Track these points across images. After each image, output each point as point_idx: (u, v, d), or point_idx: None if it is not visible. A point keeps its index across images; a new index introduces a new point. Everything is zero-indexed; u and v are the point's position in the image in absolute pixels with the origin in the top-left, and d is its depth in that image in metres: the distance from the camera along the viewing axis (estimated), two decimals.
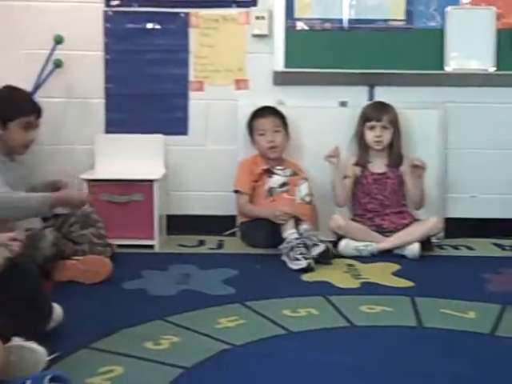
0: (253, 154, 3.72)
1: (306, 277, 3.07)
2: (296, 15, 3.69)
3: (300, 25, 3.70)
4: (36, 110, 3.06)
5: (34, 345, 2.00)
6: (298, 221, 3.40)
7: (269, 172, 3.61)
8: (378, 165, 3.64)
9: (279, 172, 3.61)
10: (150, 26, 3.79)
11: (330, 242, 3.41)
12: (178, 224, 3.80)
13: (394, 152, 3.63)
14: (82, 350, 2.19)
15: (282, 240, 3.31)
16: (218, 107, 3.81)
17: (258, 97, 3.74)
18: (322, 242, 3.26)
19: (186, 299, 2.74)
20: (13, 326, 2.00)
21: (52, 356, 2.06)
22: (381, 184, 3.60)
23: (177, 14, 3.76)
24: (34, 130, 3.07)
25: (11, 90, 3.14)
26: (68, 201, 2.95)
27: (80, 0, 3.73)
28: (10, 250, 2.13)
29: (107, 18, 3.76)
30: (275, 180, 3.58)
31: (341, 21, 3.70)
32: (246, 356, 2.21)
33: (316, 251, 3.20)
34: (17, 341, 2.00)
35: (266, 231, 3.46)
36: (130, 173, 3.56)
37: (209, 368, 2.11)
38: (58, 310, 2.33)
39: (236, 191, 3.65)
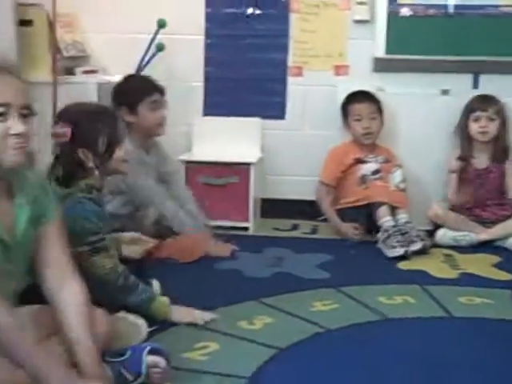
0: (345, 140, 3.69)
1: (401, 265, 3.02)
2: (399, 1, 3.62)
3: (403, 10, 3.62)
4: (158, 89, 3.15)
5: (135, 317, 2.06)
6: (393, 208, 3.34)
7: (361, 160, 3.55)
8: (482, 159, 3.51)
9: (371, 159, 3.55)
10: (250, 10, 3.79)
11: (427, 231, 3.34)
12: (272, 207, 3.82)
13: (500, 145, 3.49)
14: (178, 326, 2.24)
15: (376, 227, 3.28)
16: (316, 93, 3.78)
17: (357, 83, 3.68)
18: (420, 238, 3.18)
19: (280, 282, 2.75)
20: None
21: (150, 329, 2.12)
22: (483, 179, 3.48)
23: None
24: (162, 108, 3.15)
25: (130, 77, 3.25)
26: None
27: None
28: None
29: (208, 3, 3.80)
30: (368, 167, 3.52)
31: (446, 6, 3.60)
32: (340, 340, 2.20)
33: (413, 248, 3.13)
34: (120, 313, 2.07)
35: (360, 218, 3.42)
36: (227, 155, 3.59)
37: (302, 350, 2.11)
38: (156, 285, 2.39)
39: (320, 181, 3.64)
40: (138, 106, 3.09)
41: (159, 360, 1.81)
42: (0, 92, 1.60)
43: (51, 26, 3.43)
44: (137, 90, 3.14)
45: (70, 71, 3.57)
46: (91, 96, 3.40)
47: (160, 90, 3.18)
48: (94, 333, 1.73)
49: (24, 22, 3.38)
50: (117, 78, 3.49)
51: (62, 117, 2.19)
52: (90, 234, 2.08)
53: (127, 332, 2.04)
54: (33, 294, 1.80)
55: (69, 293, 1.75)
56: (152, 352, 1.82)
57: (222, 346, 2.11)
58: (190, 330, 2.23)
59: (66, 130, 2.11)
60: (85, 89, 3.43)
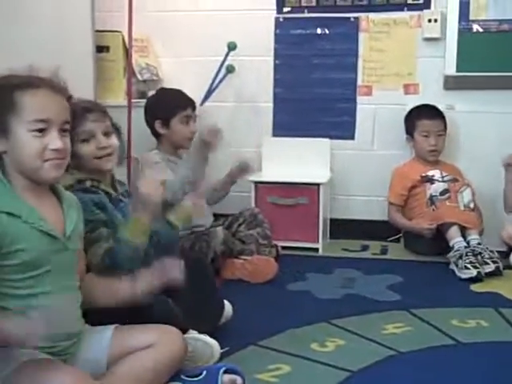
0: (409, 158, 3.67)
1: (474, 287, 2.97)
2: (471, 17, 3.58)
3: (475, 27, 3.58)
4: (191, 103, 3.22)
5: (208, 338, 2.10)
6: (463, 229, 3.29)
7: (427, 179, 3.51)
8: None
9: (438, 178, 3.50)
10: (319, 31, 3.82)
11: (500, 252, 3.27)
12: (341, 228, 3.81)
13: None
14: (250, 347, 2.27)
15: (447, 248, 3.23)
16: (385, 112, 3.77)
17: (427, 101, 3.65)
18: (493, 259, 3.11)
19: (351, 303, 2.74)
20: (189, 319, 2.10)
21: (223, 350, 2.15)
22: None
23: (347, 18, 3.76)
24: (193, 122, 3.22)
25: (164, 91, 3.33)
26: None
27: (253, 8, 3.83)
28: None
29: (278, 25, 3.85)
30: (436, 187, 3.46)
31: None
32: (413, 364, 2.18)
33: (486, 269, 3.07)
34: (192, 333, 2.10)
35: (430, 238, 3.38)
36: (296, 176, 3.61)
37: (375, 373, 2.10)
38: (228, 307, 2.42)
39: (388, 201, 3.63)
40: (172, 119, 3.16)
41: (236, 378, 1.84)
42: (42, 108, 1.65)
43: (127, 51, 3.54)
44: (170, 104, 3.21)
45: (143, 94, 3.67)
46: None
47: (192, 105, 3.25)
48: (170, 351, 1.78)
49: (101, 48, 3.51)
50: None
51: None
52: None
53: (200, 352, 2.07)
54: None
55: None
56: (228, 372, 1.85)
57: (294, 368, 2.12)
58: (262, 351, 2.25)
59: None
60: None
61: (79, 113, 2.08)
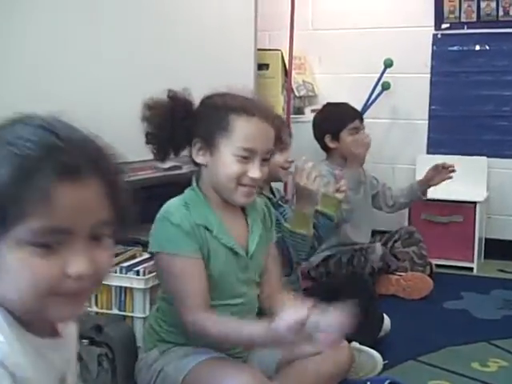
0: None
1: None
2: None
3: None
4: (358, 115, 3.24)
5: (371, 350, 2.13)
6: None
7: None
8: None
9: None
10: (477, 47, 3.77)
11: None
12: (496, 248, 3.71)
13: None
14: (409, 362, 2.29)
15: None
16: None
17: None
18: None
19: (511, 325, 2.68)
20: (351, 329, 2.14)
21: (383, 362, 2.18)
22: None
23: (509, 34, 3.68)
24: (363, 133, 3.23)
25: (330, 105, 3.37)
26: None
27: (410, 25, 3.84)
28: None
29: (435, 41, 3.83)
30: None
31: None
32: None
33: None
34: (354, 344, 2.15)
35: None
36: (451, 194, 3.57)
37: None
38: (386, 321, 2.45)
39: None
40: (341, 132, 3.18)
41: None
42: (251, 138, 1.67)
43: (285, 68, 3.67)
44: (339, 118, 3.23)
45: (299, 110, 3.78)
46: None
47: (360, 116, 3.26)
48: (337, 360, 1.84)
49: (261, 66, 3.65)
50: None
51: None
52: None
53: (363, 363, 2.11)
54: None
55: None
56: None
57: None
58: (422, 367, 2.26)
59: None
60: None
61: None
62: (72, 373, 1.04)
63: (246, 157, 1.67)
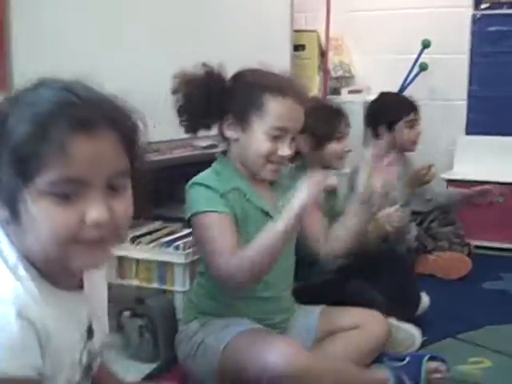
0: None
1: None
2: None
3: None
4: (414, 107, 3.20)
5: (410, 326, 2.13)
6: None
7: None
8: None
9: None
10: None
11: None
12: None
13: None
14: (448, 339, 2.28)
15: None
16: None
17: None
18: None
19: None
20: (388, 306, 2.15)
21: (422, 339, 2.18)
22: None
23: None
24: (418, 125, 3.21)
25: (386, 95, 3.33)
26: None
27: (448, 5, 3.80)
28: (391, 224, 2.31)
29: (475, 21, 3.78)
30: None
31: None
32: None
33: None
34: (392, 321, 2.15)
35: None
36: (491, 174, 3.52)
37: None
38: (424, 299, 2.44)
39: None
40: (396, 124, 3.14)
41: (440, 365, 1.86)
42: (284, 118, 1.70)
43: (321, 49, 3.66)
44: (395, 109, 3.19)
45: (336, 91, 3.77)
46: (356, 114, 3.55)
47: (416, 108, 3.21)
48: (376, 334, 1.86)
49: (297, 47, 3.64)
50: None
51: None
52: None
53: (401, 339, 2.11)
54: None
55: None
56: (431, 359, 1.88)
57: (496, 363, 2.09)
58: (462, 344, 2.25)
59: None
60: (350, 108, 3.58)
61: (334, 113, 2.28)
62: (100, 322, 1.07)
63: (278, 136, 1.71)
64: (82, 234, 0.91)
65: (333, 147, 2.27)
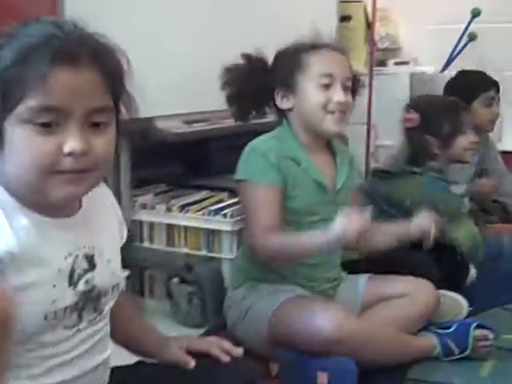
0: None
1: None
2: None
3: None
4: (494, 84, 3.13)
5: (457, 295, 2.13)
6: None
7: None
8: None
9: None
10: None
11: None
12: None
13: None
14: (495, 309, 2.26)
15: None
16: None
17: None
18: None
19: None
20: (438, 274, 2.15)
21: (469, 309, 2.17)
22: None
23: None
24: (496, 104, 3.13)
25: (466, 72, 3.25)
26: None
27: None
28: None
29: None
30: None
31: None
32: None
33: None
34: (439, 290, 2.15)
35: None
36: None
37: None
38: (472, 270, 2.42)
39: None
40: (473, 101, 3.07)
41: (487, 333, 1.86)
42: (326, 64, 1.78)
43: (367, 20, 3.62)
44: (473, 86, 3.11)
45: (382, 63, 3.73)
46: (403, 86, 3.53)
47: (496, 86, 3.12)
48: (424, 302, 1.87)
49: (343, 18, 3.61)
50: (427, 68, 3.57)
51: (412, 105, 2.45)
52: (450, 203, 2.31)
53: (448, 308, 2.10)
54: None
55: None
56: (478, 328, 1.88)
57: None
58: (510, 314, 2.24)
59: (415, 117, 2.37)
60: (397, 79, 3.57)
61: (452, 107, 2.42)
62: (105, 260, 1.10)
63: (327, 84, 1.76)
64: (60, 164, 0.95)
65: (460, 142, 2.36)
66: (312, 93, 1.77)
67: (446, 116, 2.35)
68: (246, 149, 1.79)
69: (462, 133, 2.37)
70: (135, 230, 2.22)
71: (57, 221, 1.02)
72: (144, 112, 2.07)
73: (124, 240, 1.24)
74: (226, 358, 1.25)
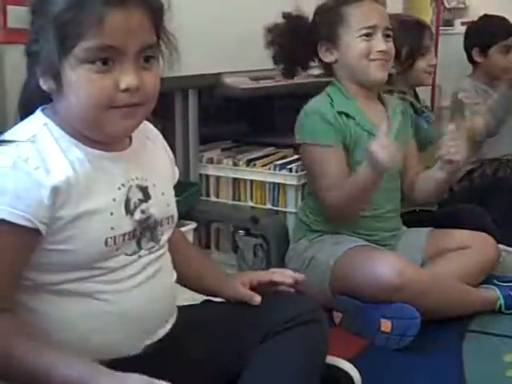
0: None
1: None
2: None
3: None
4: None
5: None
6: None
7: None
8: None
9: None
10: None
11: None
12: None
13: None
14: None
15: None
16: None
17: None
18: None
19: None
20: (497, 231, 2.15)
21: None
22: None
23: None
24: None
25: (487, 18, 3.19)
26: None
27: None
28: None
29: None
30: None
31: None
32: None
33: None
34: (501, 246, 2.15)
35: None
36: None
37: None
38: None
39: None
40: (490, 48, 3.01)
41: None
42: (367, 16, 1.83)
43: None
44: (491, 32, 3.05)
45: (449, 22, 3.69)
46: None
47: None
48: (486, 254, 1.91)
49: None
50: None
51: None
52: None
53: (509, 263, 2.12)
54: None
55: None
56: None
57: None
58: None
59: None
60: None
61: (415, 27, 2.30)
62: (158, 193, 1.16)
63: (368, 34, 1.82)
64: (115, 99, 1.02)
65: (419, 64, 2.30)
66: (354, 44, 1.83)
67: (406, 37, 2.23)
68: (303, 111, 1.85)
69: (421, 55, 2.30)
70: (202, 185, 2.30)
71: (110, 154, 1.10)
72: (212, 68, 2.14)
73: (176, 178, 1.29)
74: (288, 288, 1.32)
